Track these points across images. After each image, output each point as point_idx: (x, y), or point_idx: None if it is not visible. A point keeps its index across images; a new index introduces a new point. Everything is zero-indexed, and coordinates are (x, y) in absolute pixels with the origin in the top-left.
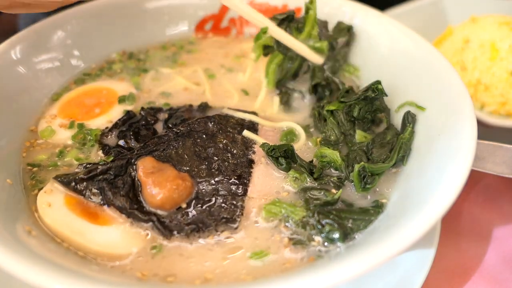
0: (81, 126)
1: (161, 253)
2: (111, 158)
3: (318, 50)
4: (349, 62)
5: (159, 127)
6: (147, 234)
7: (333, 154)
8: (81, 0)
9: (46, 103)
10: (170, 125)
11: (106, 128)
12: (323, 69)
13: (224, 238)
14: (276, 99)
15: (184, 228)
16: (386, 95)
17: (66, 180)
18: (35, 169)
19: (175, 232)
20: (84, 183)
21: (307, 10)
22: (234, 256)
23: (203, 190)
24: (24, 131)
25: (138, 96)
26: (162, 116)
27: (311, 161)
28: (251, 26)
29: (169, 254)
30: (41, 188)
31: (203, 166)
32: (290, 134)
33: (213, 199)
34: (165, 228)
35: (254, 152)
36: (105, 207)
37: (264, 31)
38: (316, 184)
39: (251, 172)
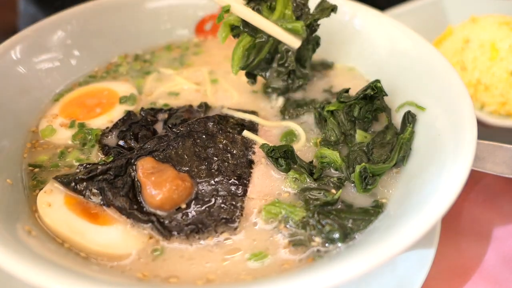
0: (81, 125)
1: (162, 256)
2: (111, 158)
3: (293, 32)
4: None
5: (159, 127)
6: (148, 235)
7: (333, 155)
8: None
9: (47, 103)
10: (170, 125)
11: (107, 128)
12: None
13: (224, 240)
14: (280, 99)
15: (183, 228)
16: (386, 94)
17: (66, 180)
18: (36, 169)
19: (174, 233)
20: (84, 183)
21: None
22: (233, 257)
23: (203, 191)
24: (24, 132)
25: (140, 97)
26: (162, 116)
27: (311, 162)
28: None
29: (170, 256)
30: (42, 189)
31: (203, 167)
32: (290, 135)
33: (213, 199)
34: (165, 228)
35: (254, 153)
36: (105, 207)
37: (225, 9)
38: (316, 184)
39: (251, 172)
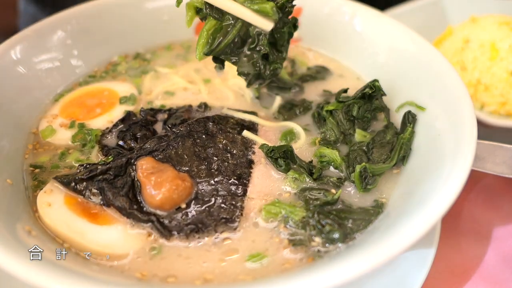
0: (81, 125)
1: (160, 254)
2: (111, 159)
3: (262, 14)
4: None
5: (159, 127)
6: (147, 235)
7: (333, 154)
8: None
9: (47, 103)
10: (170, 125)
11: (107, 128)
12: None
13: (222, 239)
14: (277, 99)
15: (183, 228)
16: (384, 93)
17: (66, 180)
18: (37, 170)
19: (174, 232)
20: (84, 183)
21: None
22: (231, 258)
23: (203, 191)
24: (25, 132)
25: (140, 97)
26: (162, 116)
27: (311, 161)
28: None
29: (168, 254)
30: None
31: (203, 167)
32: (289, 134)
33: (213, 199)
34: (165, 228)
35: (254, 153)
36: (105, 207)
37: None
38: (316, 184)
39: (251, 172)
